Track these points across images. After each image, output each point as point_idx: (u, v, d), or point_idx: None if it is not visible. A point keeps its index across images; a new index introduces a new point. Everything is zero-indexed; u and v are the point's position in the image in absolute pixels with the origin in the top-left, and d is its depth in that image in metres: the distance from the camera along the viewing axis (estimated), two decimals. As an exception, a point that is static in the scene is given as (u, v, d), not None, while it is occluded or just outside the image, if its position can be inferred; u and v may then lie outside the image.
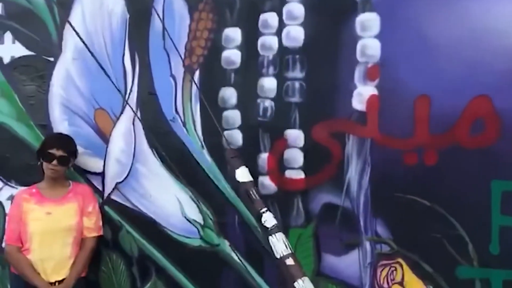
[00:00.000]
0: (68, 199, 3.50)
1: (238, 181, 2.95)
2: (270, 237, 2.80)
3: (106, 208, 3.68)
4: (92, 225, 3.52)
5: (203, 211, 3.40)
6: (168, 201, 3.51)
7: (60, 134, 3.57)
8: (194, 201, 3.42)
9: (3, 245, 3.65)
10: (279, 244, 2.79)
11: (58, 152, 3.41)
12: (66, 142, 3.47)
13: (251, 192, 2.88)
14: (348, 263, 3.04)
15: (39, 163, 3.46)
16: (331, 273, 3.09)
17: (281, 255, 2.77)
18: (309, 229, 3.11)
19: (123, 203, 3.66)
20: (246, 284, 3.30)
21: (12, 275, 3.54)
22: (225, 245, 3.33)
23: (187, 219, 3.46)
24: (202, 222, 3.41)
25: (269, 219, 2.83)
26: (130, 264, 3.64)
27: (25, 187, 3.59)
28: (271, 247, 2.80)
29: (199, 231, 3.42)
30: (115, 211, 3.69)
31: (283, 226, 3.00)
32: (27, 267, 3.41)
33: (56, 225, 3.42)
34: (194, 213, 3.44)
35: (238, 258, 3.20)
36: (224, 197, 3.33)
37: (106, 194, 3.69)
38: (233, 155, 2.96)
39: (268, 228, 2.81)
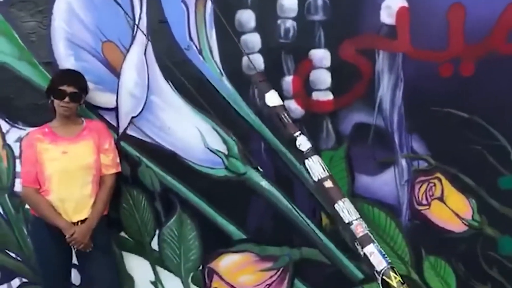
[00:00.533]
0: (83, 136, 3.40)
1: (268, 106, 2.85)
2: (306, 161, 2.73)
3: (123, 144, 3.56)
4: (110, 162, 3.43)
5: (227, 140, 3.32)
6: (188, 132, 3.39)
7: (69, 70, 3.43)
8: (216, 130, 3.32)
9: (19, 188, 3.62)
10: (316, 167, 2.73)
11: (69, 89, 3.28)
12: (76, 78, 3.34)
13: (282, 116, 2.80)
14: (384, 182, 3.02)
15: (49, 101, 3.35)
16: (366, 193, 3.08)
17: (319, 178, 2.71)
18: (340, 150, 3.07)
19: (140, 137, 3.54)
20: (275, 212, 3.27)
21: (32, 218, 3.49)
22: (252, 173, 3.26)
23: (210, 150, 3.37)
24: (226, 152, 3.32)
25: (303, 143, 2.77)
26: (152, 199, 3.56)
27: (36, 128, 3.47)
28: (307, 170, 2.75)
29: (223, 161, 3.34)
30: (132, 146, 3.56)
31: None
32: (48, 208, 3.34)
33: (74, 164, 3.34)
34: (216, 143, 3.35)
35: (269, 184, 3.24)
36: (247, 124, 3.25)
37: (121, 130, 3.57)
38: (261, 79, 2.86)
39: (303, 151, 2.75)
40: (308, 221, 3.17)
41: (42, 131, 3.37)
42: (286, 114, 2.77)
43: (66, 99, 3.26)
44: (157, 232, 3.57)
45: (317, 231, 3.17)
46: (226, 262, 3.41)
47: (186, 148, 3.43)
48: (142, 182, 3.56)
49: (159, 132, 3.46)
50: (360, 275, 3.08)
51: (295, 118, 3.05)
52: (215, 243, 3.43)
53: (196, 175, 3.41)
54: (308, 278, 3.21)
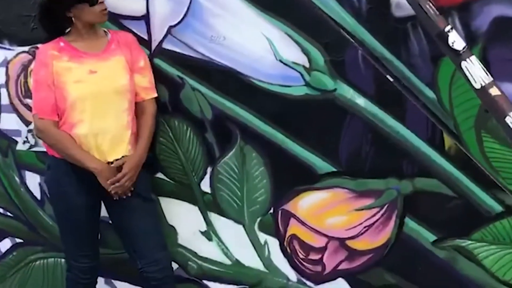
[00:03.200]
0: (112, 51, 2.90)
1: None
2: (463, 62, 2.25)
3: (158, 61, 3.03)
4: (148, 84, 2.96)
5: (307, 50, 2.76)
6: (252, 42, 2.85)
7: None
8: (291, 38, 2.77)
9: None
10: (476, 70, 2.24)
11: None
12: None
13: (427, 6, 2.26)
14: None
15: (65, 11, 2.82)
16: None
17: (482, 84, 2.24)
18: (474, 51, 2.46)
19: (183, 52, 2.97)
20: (376, 136, 2.76)
21: (51, 160, 2.97)
22: (344, 89, 2.75)
23: (284, 63, 2.82)
24: (306, 64, 2.78)
25: (457, 40, 2.26)
26: (201, 129, 3.05)
27: (44, 44, 2.92)
28: (465, 75, 2.27)
29: (302, 76, 2.80)
30: (171, 63, 3.03)
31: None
32: (74, 146, 2.84)
33: (106, 87, 2.85)
34: (293, 53, 2.79)
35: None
36: (337, 26, 2.67)
37: (155, 44, 2.99)
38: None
39: (459, 51, 2.25)
40: (425, 145, 2.69)
41: (57, 46, 2.86)
42: (431, 4, 2.26)
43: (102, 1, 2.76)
44: (208, 170, 3.09)
45: (437, 156, 2.68)
46: (308, 202, 2.94)
47: (249, 62, 2.89)
48: (186, 109, 3.05)
49: (210, 44, 2.92)
50: (498, 208, 2.63)
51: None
52: (292, 179, 2.95)
53: (264, 95, 2.89)
54: (424, 216, 2.77)
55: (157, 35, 2.94)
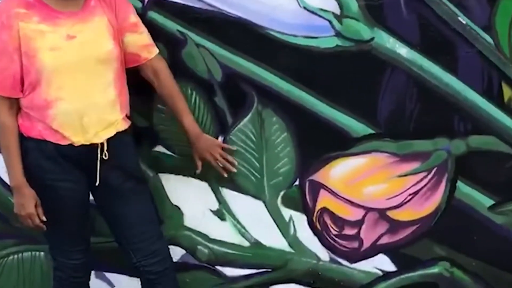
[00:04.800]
0: (92, 10, 2.50)
1: None
2: None
3: (152, 15, 2.65)
4: (148, 40, 2.61)
5: None
6: None
7: None
8: None
9: None
10: None
11: None
12: None
13: None
14: None
15: None
16: None
17: None
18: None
19: (182, 1, 2.60)
20: (422, 91, 2.48)
21: (29, 142, 2.51)
22: (383, 38, 2.48)
23: (309, 10, 2.48)
24: (337, 10, 2.46)
25: None
26: (210, 92, 2.69)
27: None
28: None
29: (332, 25, 2.48)
30: (169, 16, 2.63)
31: None
32: (11, 144, 2.48)
33: (88, 55, 2.46)
34: None
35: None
36: None
37: None
38: None
39: None
40: (480, 98, 2.45)
41: (24, 1, 2.44)
42: None
43: None
44: (220, 138, 2.75)
45: (494, 110, 2.46)
46: (342, 170, 2.67)
47: (266, 11, 2.55)
48: (189, 69, 2.68)
49: None
50: None
51: None
52: (322, 145, 2.67)
53: (285, 50, 2.57)
54: (479, 178, 2.56)
55: (152, -18, 2.65)
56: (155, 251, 2.64)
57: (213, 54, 2.60)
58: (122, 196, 2.59)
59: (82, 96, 2.45)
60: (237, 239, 2.82)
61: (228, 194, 2.77)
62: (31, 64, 2.41)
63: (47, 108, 2.46)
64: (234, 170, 2.70)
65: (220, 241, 2.83)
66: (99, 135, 2.48)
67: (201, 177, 2.76)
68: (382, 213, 2.63)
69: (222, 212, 2.80)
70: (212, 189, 2.78)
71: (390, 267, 2.71)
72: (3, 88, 2.44)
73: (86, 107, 2.45)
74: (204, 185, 2.78)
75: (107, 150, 2.48)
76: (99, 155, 2.47)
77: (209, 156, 2.67)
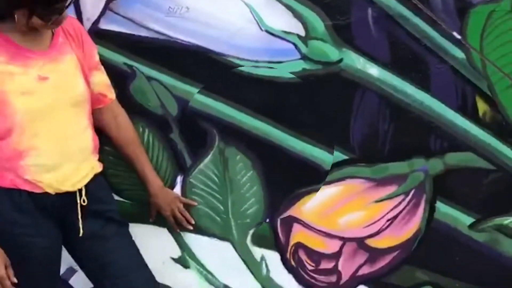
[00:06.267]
0: (61, 47, 2.33)
1: None
2: None
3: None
4: (107, 81, 2.48)
5: (302, 13, 2.35)
6: (226, 10, 2.40)
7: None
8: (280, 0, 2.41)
9: None
10: None
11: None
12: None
13: None
14: None
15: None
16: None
17: None
18: (505, 3, 2.31)
19: (129, 31, 2.46)
20: (393, 111, 2.41)
21: None
22: (352, 59, 2.40)
23: (271, 33, 2.38)
24: (302, 32, 2.38)
25: None
26: (164, 130, 2.54)
27: None
28: None
29: (297, 48, 2.40)
30: (113, 48, 2.49)
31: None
32: None
33: (62, 98, 2.26)
34: (283, 19, 2.37)
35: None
36: None
37: (88, 23, 2.47)
38: None
39: None
40: (455, 114, 2.41)
41: None
42: None
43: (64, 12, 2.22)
44: (178, 181, 2.60)
45: (469, 125, 2.41)
46: (315, 203, 2.57)
47: (224, 36, 2.44)
48: (140, 105, 2.55)
49: (168, 18, 2.44)
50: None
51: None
52: (292, 181, 2.57)
53: (247, 79, 2.47)
54: (458, 197, 2.51)
55: (91, 12, 2.43)
56: None
57: (166, 87, 2.48)
58: (106, 243, 2.40)
59: (59, 144, 2.28)
60: (204, 286, 2.65)
61: (191, 237, 2.63)
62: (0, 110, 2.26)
63: (17, 159, 2.27)
64: (191, 227, 2.58)
65: (185, 291, 2.88)
66: (80, 183, 2.30)
67: (159, 223, 2.61)
68: (360, 243, 2.57)
69: (185, 258, 2.66)
70: (171, 235, 2.63)
71: (371, 299, 2.88)
72: None
73: (63, 156, 2.29)
74: (162, 231, 2.63)
75: (85, 195, 2.34)
76: (78, 202, 2.30)
77: (168, 212, 2.56)
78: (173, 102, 2.48)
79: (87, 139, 2.36)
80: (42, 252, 2.32)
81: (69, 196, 2.31)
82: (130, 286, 2.42)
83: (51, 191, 2.26)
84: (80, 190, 2.32)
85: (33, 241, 2.30)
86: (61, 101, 2.26)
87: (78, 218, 2.32)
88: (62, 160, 2.27)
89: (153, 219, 2.61)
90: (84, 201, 2.32)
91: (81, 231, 2.33)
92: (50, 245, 2.35)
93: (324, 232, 2.58)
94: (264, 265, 2.64)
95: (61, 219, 2.35)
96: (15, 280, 2.29)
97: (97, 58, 2.45)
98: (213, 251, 2.65)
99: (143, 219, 2.62)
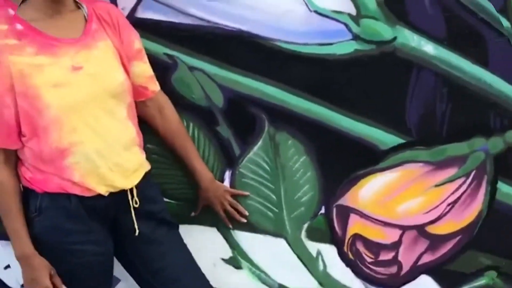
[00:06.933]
0: (95, 34, 2.18)
1: None
2: None
3: None
4: (150, 72, 2.33)
5: None
6: None
7: None
8: None
9: None
10: None
11: None
12: None
13: None
14: None
15: None
16: None
17: None
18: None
19: (169, 19, 2.32)
20: (452, 89, 2.32)
21: (44, 198, 2.12)
22: (407, 36, 2.28)
23: (320, 13, 2.25)
24: (353, 11, 2.27)
25: None
26: (210, 122, 2.40)
27: None
28: None
29: (349, 28, 2.28)
30: (153, 38, 2.32)
31: None
32: (14, 207, 2.10)
33: (99, 88, 2.10)
34: (331, 0, 2.29)
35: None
36: None
37: (125, 13, 2.33)
38: None
39: None
40: None
41: (12, 29, 2.06)
42: None
43: None
44: (227, 175, 2.48)
45: None
46: (372, 189, 2.47)
47: (271, 20, 2.31)
48: (183, 97, 2.41)
49: (209, 3, 2.31)
50: None
51: None
52: (347, 164, 2.47)
53: (296, 62, 2.35)
54: None
55: (126, 0, 2.33)
56: None
57: (210, 77, 2.37)
58: (159, 246, 2.28)
59: (103, 137, 2.14)
60: (257, 287, 2.57)
61: (242, 236, 2.53)
62: (31, 106, 2.08)
63: (60, 159, 2.12)
64: (244, 220, 2.51)
65: (238, 292, 2.85)
66: (130, 179, 2.18)
67: (207, 222, 2.52)
68: (420, 230, 2.51)
69: (237, 259, 2.56)
70: (221, 234, 2.54)
71: (434, 288, 2.83)
72: None
73: (109, 148, 2.14)
74: (211, 231, 2.52)
75: (136, 196, 2.23)
76: (131, 203, 2.18)
77: (219, 206, 2.48)
78: (218, 92, 2.38)
79: (131, 132, 2.21)
80: (94, 260, 2.20)
81: (120, 197, 2.19)
82: None
83: (103, 191, 2.12)
84: (131, 190, 2.20)
85: (85, 249, 2.18)
86: (98, 92, 2.12)
87: (131, 220, 2.19)
88: (108, 152, 2.12)
89: (197, 213, 2.50)
90: (136, 202, 2.20)
91: (137, 231, 2.20)
92: (103, 251, 2.22)
93: (383, 222, 2.50)
94: (320, 260, 2.56)
95: (112, 223, 2.24)
96: None
97: (137, 46, 2.30)
98: (266, 249, 2.56)
99: (190, 220, 2.50)
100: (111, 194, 2.17)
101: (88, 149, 2.10)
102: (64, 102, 2.07)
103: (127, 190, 2.20)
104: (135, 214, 2.22)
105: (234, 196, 2.52)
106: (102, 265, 2.26)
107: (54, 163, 2.11)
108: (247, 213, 2.52)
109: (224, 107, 2.43)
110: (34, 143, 2.10)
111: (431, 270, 2.57)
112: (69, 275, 2.21)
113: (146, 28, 2.36)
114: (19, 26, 2.06)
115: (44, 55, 2.08)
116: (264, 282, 2.60)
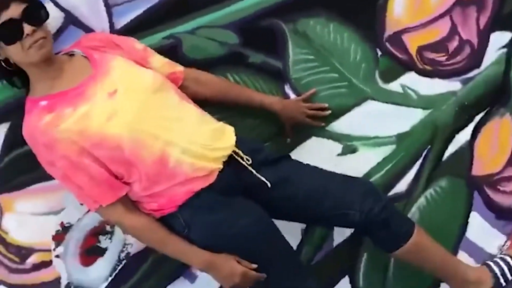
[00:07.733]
0: (103, 61, 2.22)
1: None
2: None
3: None
4: (165, 59, 2.39)
5: None
6: None
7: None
8: None
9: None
10: None
11: (16, 9, 2.08)
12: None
13: None
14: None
15: None
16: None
17: None
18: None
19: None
20: None
21: (184, 211, 2.20)
22: None
23: None
24: None
25: None
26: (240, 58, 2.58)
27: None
28: None
29: None
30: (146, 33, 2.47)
31: None
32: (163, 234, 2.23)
33: (141, 93, 2.16)
34: None
35: None
36: None
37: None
38: None
39: None
40: None
41: (41, 107, 2.15)
42: None
43: (27, 28, 2.09)
44: (286, 88, 2.57)
45: None
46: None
47: None
48: (205, 59, 2.46)
49: None
50: None
51: None
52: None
53: None
54: None
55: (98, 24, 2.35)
56: (364, 192, 2.35)
57: (210, 26, 2.40)
58: (292, 180, 2.32)
59: (178, 126, 2.18)
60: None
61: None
62: (107, 149, 2.14)
63: (165, 166, 2.18)
64: (328, 112, 2.58)
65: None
66: (225, 141, 2.24)
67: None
68: None
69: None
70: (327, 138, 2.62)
71: None
72: (104, 196, 2.16)
73: (190, 131, 2.18)
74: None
75: (243, 153, 2.29)
76: (245, 163, 2.24)
77: (303, 115, 2.58)
78: (226, 32, 2.40)
79: (193, 109, 2.28)
80: (255, 230, 2.24)
81: (234, 165, 2.24)
82: (336, 198, 2.32)
83: (215, 166, 2.17)
84: (236, 154, 2.25)
85: (241, 225, 2.21)
86: (142, 97, 2.18)
87: (255, 178, 2.23)
88: (193, 138, 2.16)
89: (292, 137, 2.58)
90: (248, 160, 2.27)
91: (267, 182, 2.25)
92: (258, 217, 2.27)
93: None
94: (409, 90, 2.56)
95: (243, 189, 2.28)
96: (255, 266, 2.24)
97: (139, 47, 2.37)
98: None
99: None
100: (226, 166, 2.21)
101: (176, 142, 2.16)
102: (126, 124, 2.13)
103: (234, 156, 2.25)
104: (255, 170, 2.30)
105: (307, 100, 2.61)
106: (265, 228, 2.28)
107: (163, 176, 2.17)
108: (326, 105, 2.60)
109: (241, 40, 2.46)
110: (135, 175, 2.18)
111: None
112: (249, 257, 2.26)
113: (133, 30, 2.37)
114: (43, 103, 2.15)
115: (80, 105, 2.15)
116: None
